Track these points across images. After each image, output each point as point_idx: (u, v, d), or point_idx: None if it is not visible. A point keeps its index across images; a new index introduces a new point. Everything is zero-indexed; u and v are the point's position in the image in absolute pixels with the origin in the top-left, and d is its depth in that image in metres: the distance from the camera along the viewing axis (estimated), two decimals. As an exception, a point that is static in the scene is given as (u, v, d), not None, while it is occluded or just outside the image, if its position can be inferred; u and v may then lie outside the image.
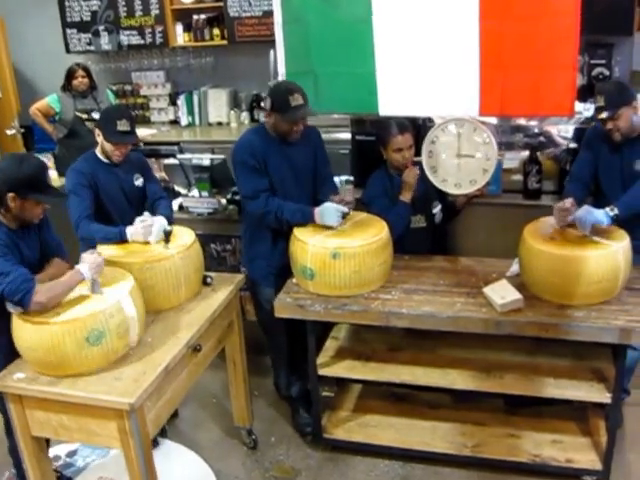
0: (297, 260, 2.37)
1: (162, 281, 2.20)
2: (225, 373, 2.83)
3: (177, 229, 2.42)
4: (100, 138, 2.42)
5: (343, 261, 2.25)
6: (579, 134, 2.77)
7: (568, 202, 2.23)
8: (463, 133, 2.44)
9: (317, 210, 2.37)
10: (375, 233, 2.32)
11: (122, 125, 2.36)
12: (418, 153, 2.58)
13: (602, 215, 2.17)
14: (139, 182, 2.56)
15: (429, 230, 2.60)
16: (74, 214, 2.33)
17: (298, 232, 2.37)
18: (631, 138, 2.33)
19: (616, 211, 2.18)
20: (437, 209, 2.61)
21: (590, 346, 2.29)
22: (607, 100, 2.26)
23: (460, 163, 2.46)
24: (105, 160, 2.47)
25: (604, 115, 2.26)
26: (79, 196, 2.34)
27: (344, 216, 2.38)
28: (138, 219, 2.33)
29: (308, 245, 2.30)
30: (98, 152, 2.48)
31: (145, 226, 2.30)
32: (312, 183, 2.57)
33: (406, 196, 2.52)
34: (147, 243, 2.29)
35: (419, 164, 2.55)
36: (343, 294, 2.29)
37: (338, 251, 2.24)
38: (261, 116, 2.53)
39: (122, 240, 2.30)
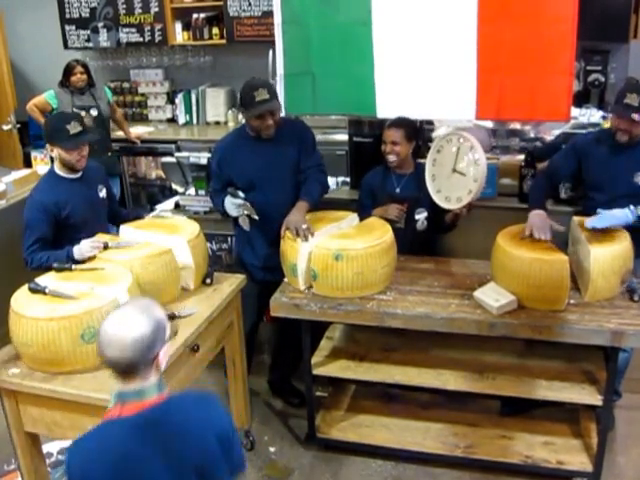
0: (286, 258, 2.38)
1: (164, 275, 2.20)
2: (220, 372, 2.84)
3: (182, 221, 2.48)
4: (55, 152, 2.31)
5: (346, 263, 2.25)
6: (565, 138, 2.79)
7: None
8: (461, 149, 2.43)
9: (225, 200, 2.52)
10: (379, 236, 2.33)
11: (73, 127, 2.26)
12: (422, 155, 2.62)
13: (628, 214, 2.22)
14: (103, 193, 2.51)
15: (407, 234, 2.57)
16: (24, 249, 2.29)
17: (289, 231, 2.38)
18: (630, 145, 2.34)
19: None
20: (421, 216, 2.58)
21: (582, 348, 2.31)
22: None
23: (453, 178, 2.45)
24: (66, 175, 2.37)
25: (637, 117, 2.23)
26: (31, 229, 2.29)
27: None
28: (87, 241, 2.24)
29: (297, 244, 2.31)
30: (57, 169, 2.37)
31: (92, 244, 2.22)
32: (296, 178, 2.56)
33: (376, 212, 2.53)
34: (93, 258, 2.21)
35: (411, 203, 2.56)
36: (346, 296, 2.29)
37: (341, 253, 2.25)
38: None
39: (69, 259, 2.20)
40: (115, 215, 2.62)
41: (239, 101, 2.46)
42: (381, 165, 2.65)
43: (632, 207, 2.23)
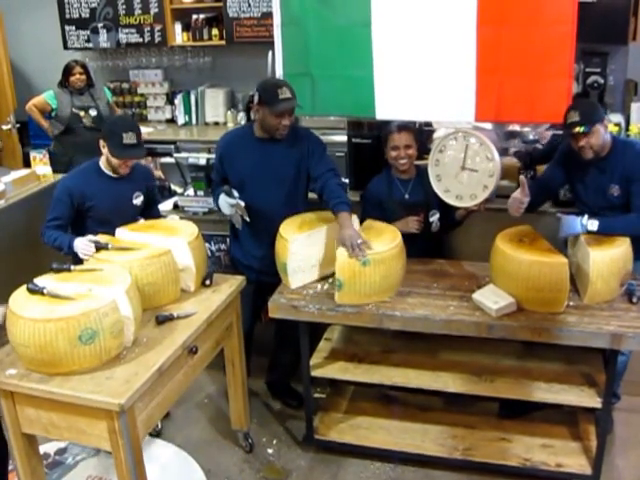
0: (278, 257, 2.39)
1: (163, 276, 2.19)
2: (219, 373, 2.83)
3: (180, 223, 2.47)
4: (105, 150, 2.37)
5: (373, 268, 2.23)
6: (557, 139, 2.79)
7: (521, 180, 2.33)
8: (470, 146, 2.43)
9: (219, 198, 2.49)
10: (393, 237, 2.33)
11: (128, 138, 2.29)
12: (420, 157, 2.61)
13: (577, 226, 2.27)
14: (138, 201, 2.51)
15: (423, 237, 2.58)
16: (44, 223, 2.39)
17: (283, 230, 2.38)
18: (600, 157, 2.33)
19: (595, 227, 2.24)
20: (435, 217, 2.59)
21: (581, 351, 2.31)
22: (582, 115, 2.24)
23: (463, 176, 2.45)
24: (107, 172, 2.43)
25: (581, 129, 2.24)
26: (53, 207, 2.40)
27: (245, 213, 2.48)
28: (84, 240, 2.25)
29: (288, 242, 2.31)
30: (102, 163, 2.43)
31: (84, 249, 2.22)
32: (292, 183, 2.54)
33: (396, 227, 2.49)
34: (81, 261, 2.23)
35: (423, 211, 2.56)
36: (372, 301, 2.27)
37: (368, 258, 2.22)
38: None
39: (69, 249, 2.27)
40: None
41: (259, 98, 2.41)
42: (381, 173, 2.65)
43: (585, 220, 2.25)
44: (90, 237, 2.26)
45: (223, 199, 2.49)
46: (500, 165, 2.43)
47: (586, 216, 2.27)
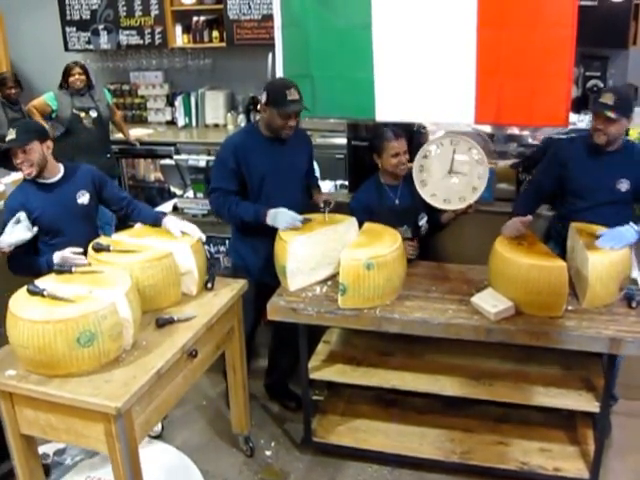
0: (278, 259, 2.39)
1: (164, 278, 2.18)
2: (218, 375, 2.83)
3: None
4: None
5: (377, 271, 2.23)
6: (548, 143, 2.79)
7: (528, 219, 2.32)
8: (457, 150, 2.45)
9: (270, 211, 2.41)
10: (393, 240, 2.34)
11: (10, 134, 2.25)
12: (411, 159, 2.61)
13: (628, 234, 2.17)
14: (84, 199, 2.40)
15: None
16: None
17: (282, 232, 2.38)
18: (610, 152, 2.32)
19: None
20: (423, 221, 2.61)
21: (579, 355, 2.31)
22: (617, 102, 2.20)
23: (451, 179, 2.47)
24: (39, 180, 2.33)
25: (611, 115, 2.20)
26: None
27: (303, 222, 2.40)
28: (67, 250, 2.20)
29: (287, 244, 2.31)
30: None
31: (71, 255, 2.18)
32: (302, 183, 2.60)
33: None
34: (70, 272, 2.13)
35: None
36: (376, 305, 2.28)
37: (372, 261, 2.22)
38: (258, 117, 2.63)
39: (49, 268, 2.16)
40: (126, 215, 2.51)
41: (266, 98, 2.41)
42: (369, 181, 2.65)
43: (633, 225, 2.18)
44: (70, 249, 2.19)
45: (288, 214, 2.38)
46: (488, 167, 2.45)
47: (631, 222, 2.18)
